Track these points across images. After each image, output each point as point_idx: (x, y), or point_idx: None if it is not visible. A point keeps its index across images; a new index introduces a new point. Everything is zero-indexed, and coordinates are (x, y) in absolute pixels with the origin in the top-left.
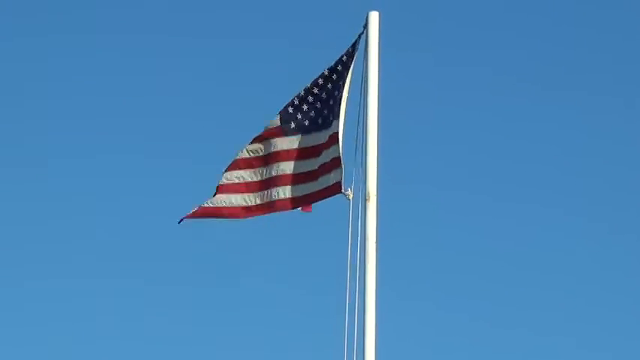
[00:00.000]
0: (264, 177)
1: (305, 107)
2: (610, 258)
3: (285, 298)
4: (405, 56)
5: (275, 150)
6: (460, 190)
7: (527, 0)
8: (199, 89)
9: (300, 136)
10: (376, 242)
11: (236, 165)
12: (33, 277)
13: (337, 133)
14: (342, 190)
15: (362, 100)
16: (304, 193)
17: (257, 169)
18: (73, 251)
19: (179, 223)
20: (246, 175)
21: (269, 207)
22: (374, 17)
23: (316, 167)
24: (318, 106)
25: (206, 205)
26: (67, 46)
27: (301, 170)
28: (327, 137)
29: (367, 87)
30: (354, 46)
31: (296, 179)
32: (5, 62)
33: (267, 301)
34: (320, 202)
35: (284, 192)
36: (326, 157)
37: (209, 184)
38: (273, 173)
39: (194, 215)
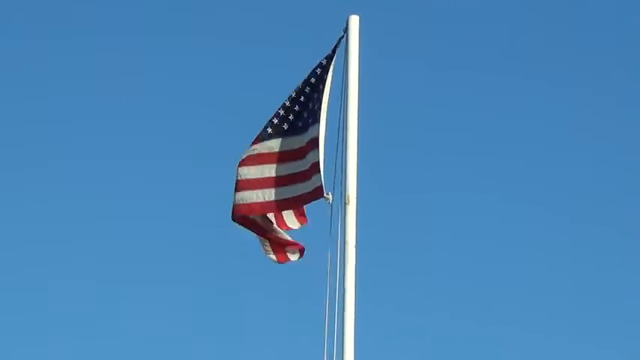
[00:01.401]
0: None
1: (285, 112)
2: (601, 258)
3: (266, 299)
4: (385, 60)
5: (258, 153)
6: (441, 192)
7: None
8: (181, 91)
9: (280, 139)
10: (355, 245)
11: (244, 163)
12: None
13: (317, 137)
14: (324, 194)
15: (342, 104)
16: (289, 196)
17: (260, 166)
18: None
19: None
20: (256, 171)
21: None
22: (354, 21)
23: (299, 171)
24: (297, 109)
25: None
26: (68, 47)
27: (283, 173)
28: (307, 141)
29: (347, 91)
30: (334, 49)
31: (278, 182)
32: (5, 62)
33: (247, 302)
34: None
35: (269, 194)
36: (307, 162)
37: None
38: (259, 175)
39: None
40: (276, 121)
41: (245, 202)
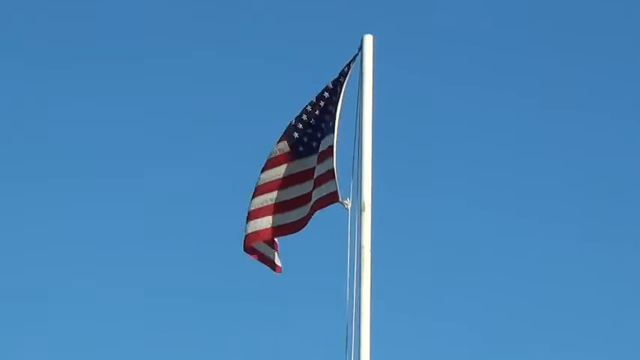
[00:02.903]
0: (286, 198)
1: (305, 128)
2: (599, 263)
3: (286, 300)
4: (398, 75)
5: (290, 174)
6: (452, 197)
7: (517, 17)
8: (200, 106)
9: (307, 157)
10: (371, 250)
11: (260, 191)
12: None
13: (332, 146)
14: (340, 199)
15: (357, 117)
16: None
17: (276, 192)
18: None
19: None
20: (272, 197)
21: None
22: (368, 40)
23: (311, 188)
24: (310, 131)
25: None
26: (69, 49)
27: (297, 194)
28: (320, 152)
29: (362, 105)
30: (348, 65)
31: (297, 202)
32: (6, 63)
33: (267, 301)
34: (320, 211)
35: (282, 219)
36: (321, 169)
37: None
38: (287, 197)
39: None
40: (305, 138)
41: (254, 231)
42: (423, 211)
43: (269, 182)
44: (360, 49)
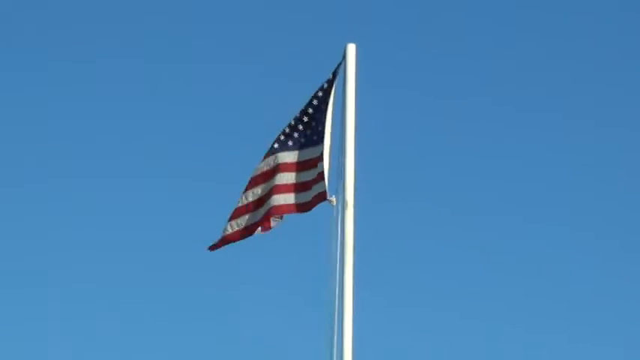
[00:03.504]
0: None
1: (293, 132)
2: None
3: (272, 295)
4: (380, 82)
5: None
6: (430, 202)
7: (499, 27)
8: (184, 116)
9: (296, 152)
10: (353, 246)
11: (238, 213)
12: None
13: (322, 153)
14: (327, 198)
15: (341, 124)
16: (300, 202)
17: (253, 210)
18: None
19: (210, 250)
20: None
21: (266, 216)
22: (351, 48)
23: (309, 179)
24: (301, 128)
25: (226, 233)
26: (69, 54)
27: (298, 180)
28: (318, 154)
29: (345, 112)
30: (334, 74)
31: (294, 188)
32: (6, 63)
33: (247, 300)
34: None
35: (284, 199)
36: (314, 172)
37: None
38: (272, 184)
39: (222, 244)
40: (281, 138)
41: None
42: (404, 210)
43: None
44: (344, 57)
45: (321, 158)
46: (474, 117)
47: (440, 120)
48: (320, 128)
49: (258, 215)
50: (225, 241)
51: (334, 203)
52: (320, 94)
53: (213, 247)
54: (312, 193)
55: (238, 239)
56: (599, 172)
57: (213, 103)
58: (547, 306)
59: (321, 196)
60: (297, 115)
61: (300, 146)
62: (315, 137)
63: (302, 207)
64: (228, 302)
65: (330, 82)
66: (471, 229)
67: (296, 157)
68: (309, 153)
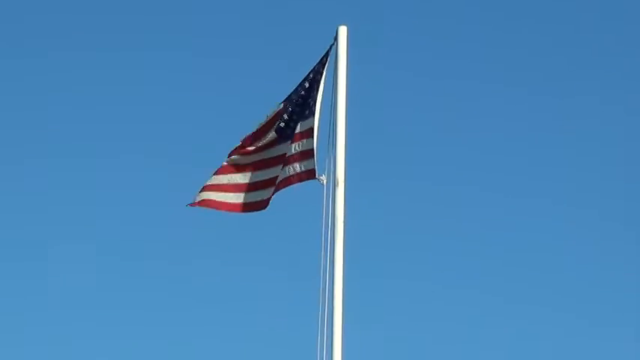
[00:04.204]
0: (254, 180)
1: (286, 114)
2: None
3: (265, 271)
4: (371, 62)
5: (276, 155)
6: (424, 180)
7: (491, 9)
8: (176, 100)
9: (280, 145)
10: (344, 222)
11: (224, 170)
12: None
13: (312, 128)
14: (317, 176)
15: (332, 103)
16: (280, 177)
17: (247, 174)
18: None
19: (187, 206)
20: (237, 178)
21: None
22: (342, 31)
23: (290, 153)
24: (286, 117)
25: (208, 197)
26: (69, 52)
27: (277, 154)
28: (305, 129)
29: (336, 92)
30: (326, 55)
31: (272, 163)
32: (7, 63)
33: (247, 275)
34: (298, 186)
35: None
36: (300, 147)
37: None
38: (266, 177)
39: (200, 204)
40: (275, 126)
41: (221, 200)
42: (394, 187)
43: (241, 165)
44: (335, 39)
45: (305, 136)
46: (465, 97)
47: (430, 100)
48: (311, 105)
49: (259, 195)
50: (207, 204)
51: (324, 182)
52: (313, 75)
53: (192, 204)
54: (290, 170)
55: (226, 210)
56: (599, 156)
57: (206, 87)
58: (545, 304)
59: (308, 174)
60: (285, 101)
61: (280, 140)
62: (306, 112)
63: (286, 181)
64: (216, 281)
65: (323, 63)
66: (462, 206)
67: (274, 152)
68: (301, 127)
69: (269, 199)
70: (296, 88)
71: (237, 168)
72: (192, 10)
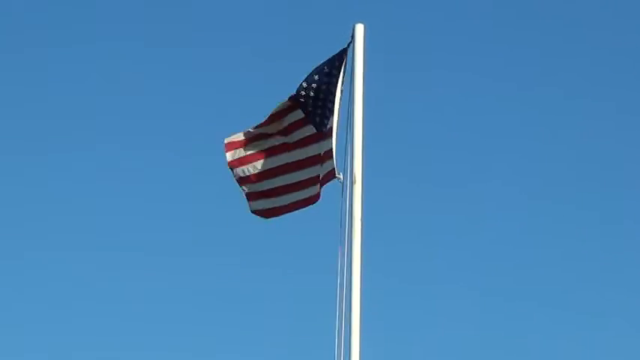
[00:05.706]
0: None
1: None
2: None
3: (282, 270)
4: (388, 61)
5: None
6: (434, 182)
7: (499, 11)
8: (198, 95)
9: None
10: (361, 220)
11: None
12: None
13: (332, 128)
14: (336, 175)
15: (350, 100)
16: (308, 177)
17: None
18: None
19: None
20: (278, 181)
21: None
22: (359, 29)
23: (317, 154)
24: (319, 103)
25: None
26: (68, 38)
27: (307, 156)
28: (326, 129)
29: (354, 90)
30: (345, 52)
31: (303, 164)
32: (7, 63)
33: (264, 274)
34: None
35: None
36: (320, 148)
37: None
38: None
39: (266, 214)
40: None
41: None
42: (410, 185)
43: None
44: (353, 37)
45: (326, 136)
46: (482, 96)
47: (447, 99)
48: (330, 106)
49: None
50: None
51: (341, 179)
52: (333, 71)
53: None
54: (320, 170)
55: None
56: (600, 144)
57: (220, 84)
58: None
59: (331, 174)
60: (304, 91)
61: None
62: (317, 119)
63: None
64: (233, 275)
65: (341, 61)
66: (480, 203)
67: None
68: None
69: (318, 193)
70: (316, 74)
71: (267, 152)
72: (200, 6)
